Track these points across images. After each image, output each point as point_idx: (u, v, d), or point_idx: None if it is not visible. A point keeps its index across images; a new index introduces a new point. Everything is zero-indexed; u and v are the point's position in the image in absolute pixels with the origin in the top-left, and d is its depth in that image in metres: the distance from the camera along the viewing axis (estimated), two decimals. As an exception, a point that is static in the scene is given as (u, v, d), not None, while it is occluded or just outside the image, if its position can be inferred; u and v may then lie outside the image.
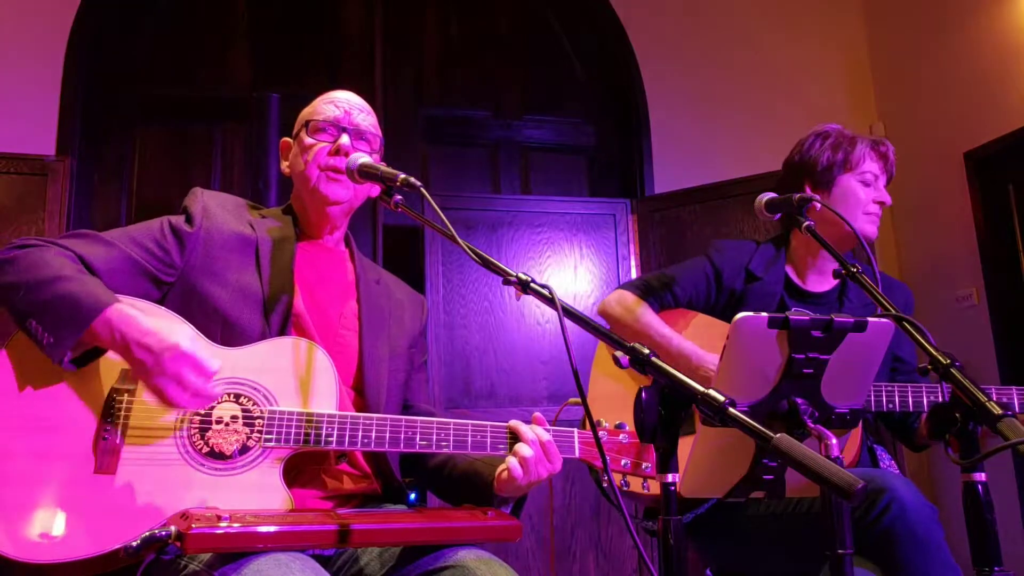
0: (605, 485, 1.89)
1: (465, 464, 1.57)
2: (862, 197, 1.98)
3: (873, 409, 1.80)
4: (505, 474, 1.44)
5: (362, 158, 1.52)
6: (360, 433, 1.39)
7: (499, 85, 4.37)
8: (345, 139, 1.58)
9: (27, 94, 3.61)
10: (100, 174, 3.83)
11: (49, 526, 1.23)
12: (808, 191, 2.02)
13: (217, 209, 1.55)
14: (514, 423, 1.47)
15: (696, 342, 1.91)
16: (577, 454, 1.50)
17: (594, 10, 4.44)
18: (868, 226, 1.98)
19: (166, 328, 1.28)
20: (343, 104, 1.63)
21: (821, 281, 2.04)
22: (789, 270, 2.04)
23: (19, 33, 3.66)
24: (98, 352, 1.33)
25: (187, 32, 4.03)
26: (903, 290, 2.08)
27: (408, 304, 1.74)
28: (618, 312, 1.99)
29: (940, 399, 1.78)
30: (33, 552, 1.21)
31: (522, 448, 1.43)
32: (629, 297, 1.99)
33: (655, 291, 2.00)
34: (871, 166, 2.00)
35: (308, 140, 1.60)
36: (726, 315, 2.01)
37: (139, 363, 1.27)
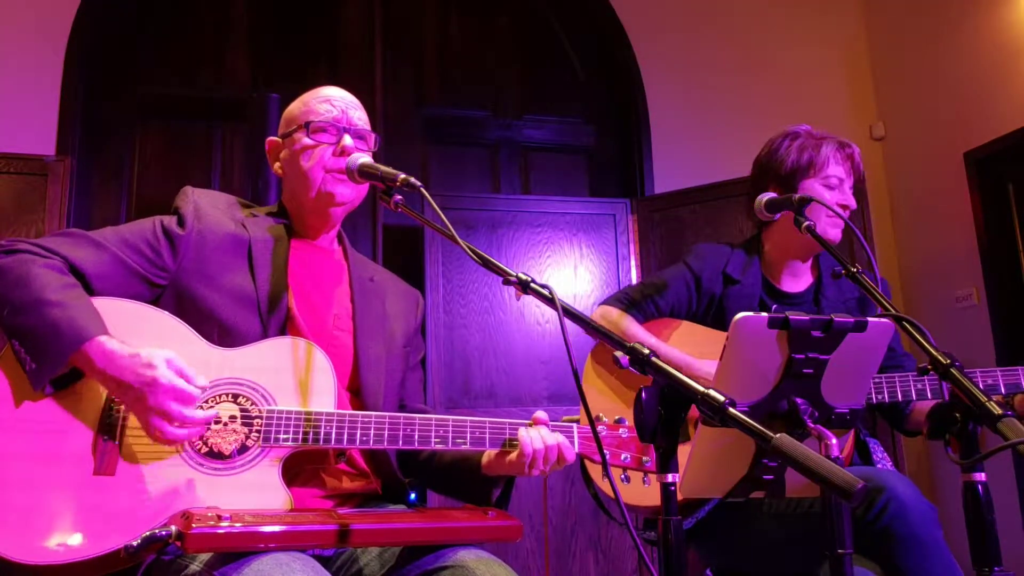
0: (604, 481, 1.90)
1: (452, 452, 1.57)
2: (827, 200, 1.97)
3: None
4: (513, 456, 1.44)
5: (362, 158, 1.52)
6: (359, 431, 1.39)
7: (499, 85, 4.37)
8: (348, 140, 1.57)
9: (27, 94, 3.61)
10: (100, 174, 3.83)
11: (49, 528, 1.23)
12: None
13: (209, 209, 1.55)
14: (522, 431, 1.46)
15: (683, 350, 1.91)
16: (576, 449, 1.49)
17: (594, 10, 4.44)
18: (832, 230, 1.98)
19: (144, 360, 1.27)
20: (339, 103, 1.62)
21: (795, 282, 2.06)
22: (764, 273, 2.05)
23: (19, 33, 3.66)
24: (79, 373, 1.32)
25: (187, 32, 4.03)
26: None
27: (403, 301, 1.73)
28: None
29: (926, 387, 1.81)
30: (34, 554, 1.21)
31: (533, 442, 1.43)
32: (612, 312, 1.99)
33: (637, 303, 2.00)
34: (836, 169, 1.99)
35: (308, 141, 1.58)
36: (708, 320, 2.02)
37: (123, 400, 1.29)
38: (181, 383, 1.27)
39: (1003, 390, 1.82)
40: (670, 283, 2.03)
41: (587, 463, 1.92)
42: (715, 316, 2.01)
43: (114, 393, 1.30)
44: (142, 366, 1.26)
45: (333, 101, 1.62)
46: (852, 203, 2.00)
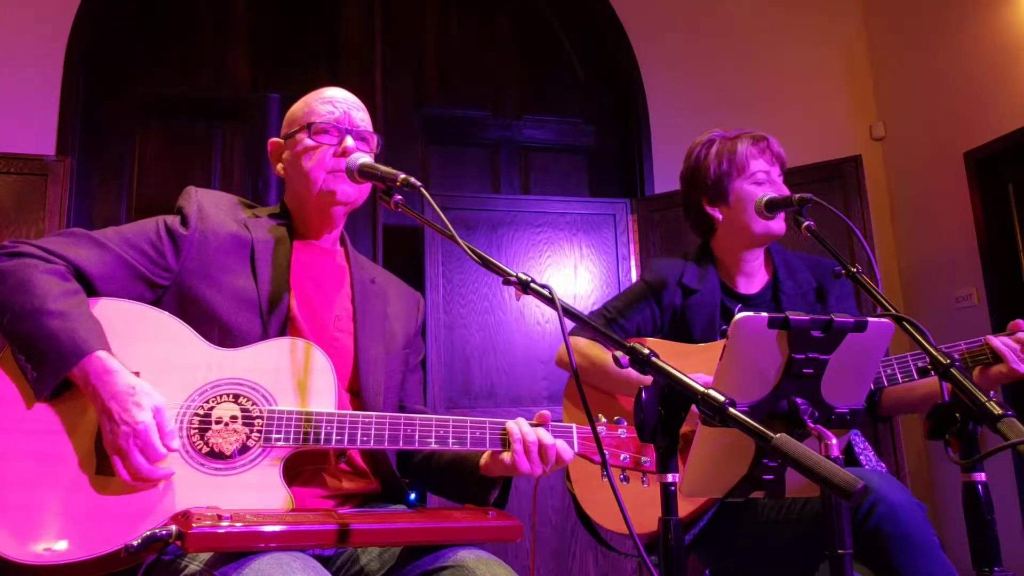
0: (599, 508, 1.90)
1: (451, 453, 1.57)
2: (758, 195, 1.97)
3: None
4: (508, 456, 1.44)
5: (362, 158, 1.52)
6: (359, 432, 1.39)
7: (499, 85, 4.38)
8: (350, 141, 1.57)
9: (27, 94, 3.61)
10: (100, 174, 3.83)
11: (51, 528, 1.23)
12: (706, 207, 2.04)
13: (212, 209, 1.55)
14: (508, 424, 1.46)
15: None
16: (576, 449, 1.49)
17: (594, 10, 4.45)
18: (773, 223, 1.97)
19: (135, 397, 1.27)
20: (341, 104, 1.62)
21: (751, 283, 2.06)
22: (722, 277, 2.06)
23: (19, 33, 3.66)
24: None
25: (187, 32, 4.03)
26: (827, 264, 2.04)
27: (404, 303, 1.73)
28: (573, 359, 1.99)
29: (895, 371, 1.80)
30: (35, 554, 1.21)
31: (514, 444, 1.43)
32: (581, 342, 1.99)
33: None
34: (757, 164, 2.00)
35: (310, 142, 1.58)
36: (673, 334, 2.02)
37: (100, 421, 1.29)
38: (155, 439, 1.26)
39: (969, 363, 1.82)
40: (632, 303, 2.04)
41: (584, 505, 1.92)
42: (679, 328, 2.02)
43: (97, 411, 1.29)
44: (132, 403, 1.26)
45: (335, 102, 1.62)
46: (785, 191, 2.00)
